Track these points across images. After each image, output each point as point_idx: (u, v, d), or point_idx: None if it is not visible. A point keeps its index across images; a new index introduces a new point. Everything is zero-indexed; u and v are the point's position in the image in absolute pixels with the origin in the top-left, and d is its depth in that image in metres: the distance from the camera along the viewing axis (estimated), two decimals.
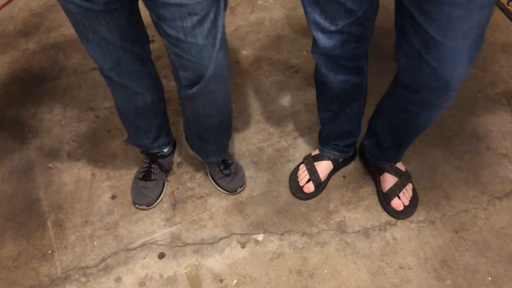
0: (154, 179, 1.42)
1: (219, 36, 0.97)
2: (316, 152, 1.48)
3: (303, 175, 1.44)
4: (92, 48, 1.05)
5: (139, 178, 1.43)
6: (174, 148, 1.51)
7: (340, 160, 1.46)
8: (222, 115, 1.19)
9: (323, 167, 1.44)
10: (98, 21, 0.98)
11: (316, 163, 1.44)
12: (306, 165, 1.46)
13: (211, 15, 0.94)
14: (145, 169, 1.43)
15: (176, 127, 1.61)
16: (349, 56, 1.11)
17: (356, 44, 1.08)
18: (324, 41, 1.06)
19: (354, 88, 1.21)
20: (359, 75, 1.19)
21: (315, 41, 1.08)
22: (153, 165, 1.43)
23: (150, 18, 0.99)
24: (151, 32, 2.03)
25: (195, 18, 0.91)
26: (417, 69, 1.00)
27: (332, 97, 1.25)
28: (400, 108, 1.16)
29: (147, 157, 1.45)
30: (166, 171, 1.48)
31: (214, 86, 1.04)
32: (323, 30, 1.04)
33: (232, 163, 1.46)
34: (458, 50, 0.92)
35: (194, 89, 1.04)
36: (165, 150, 1.45)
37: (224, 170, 1.43)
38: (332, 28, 1.03)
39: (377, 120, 1.31)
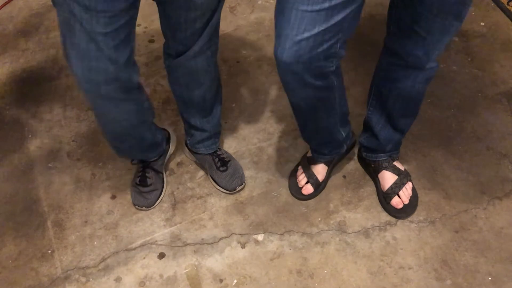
0: (150, 184, 1.41)
1: (212, 20, 1.10)
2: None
3: (302, 177, 1.44)
4: (74, 57, 0.96)
5: (137, 184, 1.42)
6: (168, 142, 1.48)
7: (333, 159, 1.45)
8: (204, 92, 1.27)
9: (319, 169, 1.43)
10: (98, 21, 0.91)
11: (312, 166, 1.43)
12: (303, 167, 1.45)
13: (211, 11, 1.06)
14: (140, 174, 1.41)
15: (176, 127, 1.61)
16: (316, 73, 1.01)
17: (325, 62, 0.99)
18: (288, 52, 0.95)
19: (322, 103, 1.14)
20: (327, 91, 1.10)
21: (277, 52, 0.97)
22: (147, 170, 1.41)
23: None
24: (151, 32, 2.03)
25: (199, 12, 1.03)
26: (406, 36, 1.08)
27: (298, 111, 1.20)
28: (386, 77, 1.22)
29: (139, 164, 1.42)
30: (162, 172, 1.46)
31: (192, 58, 1.15)
32: (291, 40, 0.94)
33: (229, 160, 1.46)
34: (447, 26, 1.02)
35: (178, 59, 1.16)
36: (155, 157, 1.41)
37: (221, 167, 1.43)
38: (298, 37, 0.93)
39: (369, 103, 1.33)
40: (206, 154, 1.45)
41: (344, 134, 1.33)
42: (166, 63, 1.22)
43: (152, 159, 1.41)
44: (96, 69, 0.97)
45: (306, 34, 0.92)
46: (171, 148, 1.52)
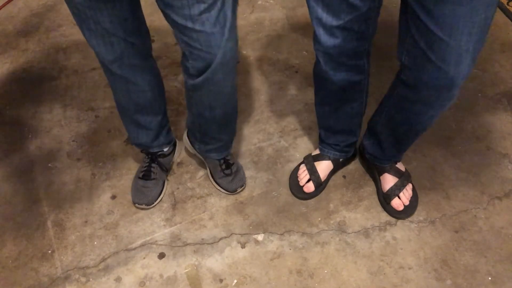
0: (154, 179, 1.42)
1: (228, 25, 0.97)
2: (317, 152, 1.48)
3: (303, 175, 1.44)
4: (94, 39, 1.06)
5: (139, 178, 1.43)
6: (174, 148, 1.51)
7: (340, 160, 1.46)
8: (226, 108, 1.20)
9: (323, 167, 1.44)
10: (101, 12, 0.99)
11: (316, 163, 1.44)
12: (306, 165, 1.46)
13: (219, 4, 0.95)
14: (145, 168, 1.43)
15: (176, 127, 1.61)
16: (350, 54, 1.10)
17: (358, 42, 1.07)
18: (325, 37, 1.06)
19: (354, 86, 1.21)
20: (359, 74, 1.18)
21: (316, 37, 1.08)
22: (153, 164, 1.43)
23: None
24: (151, 31, 2.02)
25: (202, 6, 0.93)
26: (421, 67, 0.99)
27: (330, 93, 1.24)
28: (402, 107, 1.15)
29: (147, 157, 1.45)
30: (166, 170, 1.48)
31: (220, 76, 1.05)
32: (324, 26, 1.04)
33: (233, 163, 1.46)
34: (463, 48, 0.92)
35: (201, 78, 1.05)
36: (165, 149, 1.45)
37: (225, 169, 1.43)
38: (334, 23, 1.02)
39: (378, 119, 1.30)
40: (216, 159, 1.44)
41: (358, 135, 1.41)
42: (188, 84, 1.12)
43: (162, 151, 1.44)
44: (113, 44, 1.07)
45: (335, 23, 1.02)
46: (176, 155, 1.53)
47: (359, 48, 1.09)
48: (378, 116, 1.30)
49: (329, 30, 1.04)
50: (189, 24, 0.95)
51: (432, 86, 1.01)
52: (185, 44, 1.01)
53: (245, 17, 2.08)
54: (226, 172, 1.43)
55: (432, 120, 1.14)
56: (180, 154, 1.57)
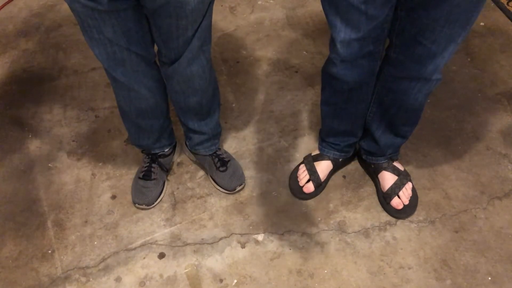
0: (154, 179, 1.42)
1: (202, 24, 1.07)
2: (316, 152, 1.48)
3: (303, 175, 1.44)
4: (96, 47, 1.05)
5: (139, 178, 1.43)
6: (174, 148, 1.51)
7: (340, 160, 1.46)
8: (199, 97, 1.26)
9: (323, 167, 1.44)
10: (104, 22, 0.98)
11: (316, 163, 1.44)
12: (306, 165, 1.46)
13: (203, 16, 1.05)
14: (146, 168, 1.43)
15: (177, 127, 1.61)
16: (366, 56, 1.11)
17: (374, 45, 1.08)
18: (342, 49, 1.07)
19: (362, 87, 1.21)
20: (371, 76, 1.18)
21: (333, 48, 1.08)
22: (153, 165, 1.44)
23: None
24: None
25: (190, 19, 1.01)
26: (411, 47, 1.06)
27: (338, 92, 1.24)
28: (389, 87, 1.21)
29: (147, 157, 1.45)
30: (166, 170, 1.48)
31: (187, 66, 1.14)
32: (343, 40, 1.05)
33: (229, 160, 1.46)
34: (454, 35, 1.00)
35: (172, 67, 1.15)
36: (166, 150, 1.45)
37: (220, 167, 1.44)
38: (353, 36, 1.03)
39: (369, 109, 1.33)
40: (206, 155, 1.45)
41: (359, 136, 1.41)
42: (162, 71, 1.22)
43: (163, 151, 1.44)
44: (115, 53, 1.07)
45: (354, 35, 1.03)
46: (176, 155, 1.54)
47: (375, 49, 1.10)
48: (368, 107, 1.33)
49: (348, 42, 1.05)
50: (173, 29, 1.03)
51: (419, 62, 1.08)
52: (163, 41, 1.08)
53: (245, 17, 2.08)
54: (221, 169, 1.43)
55: (418, 99, 1.18)
56: (180, 154, 1.57)
